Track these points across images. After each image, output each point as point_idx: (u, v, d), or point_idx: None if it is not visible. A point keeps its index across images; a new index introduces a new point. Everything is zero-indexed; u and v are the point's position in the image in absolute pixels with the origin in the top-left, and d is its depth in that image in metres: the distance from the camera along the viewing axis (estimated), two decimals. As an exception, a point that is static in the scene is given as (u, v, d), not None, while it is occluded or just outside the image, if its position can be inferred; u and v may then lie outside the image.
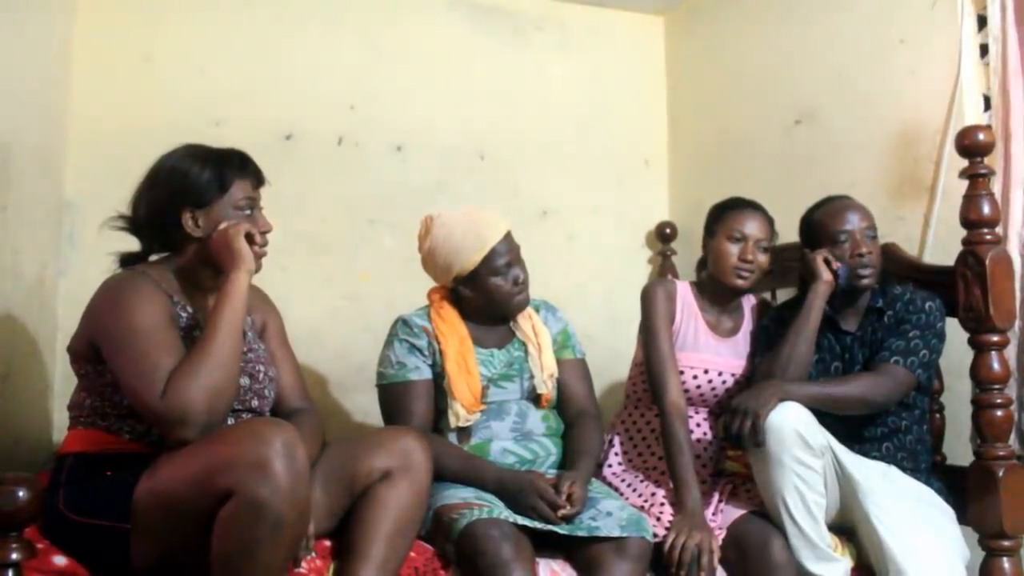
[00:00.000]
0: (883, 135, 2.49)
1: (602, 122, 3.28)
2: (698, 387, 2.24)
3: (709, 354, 2.26)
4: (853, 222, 2.12)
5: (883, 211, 2.30)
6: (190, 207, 1.69)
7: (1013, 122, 2.15)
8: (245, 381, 1.73)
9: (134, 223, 1.75)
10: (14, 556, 1.28)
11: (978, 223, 2.02)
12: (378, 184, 2.95)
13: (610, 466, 2.27)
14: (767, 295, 2.60)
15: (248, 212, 1.73)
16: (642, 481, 2.18)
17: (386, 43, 3.00)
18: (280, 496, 1.41)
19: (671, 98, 3.40)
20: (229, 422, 1.66)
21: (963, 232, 2.05)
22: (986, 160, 2.04)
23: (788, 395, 1.92)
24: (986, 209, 2.01)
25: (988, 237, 2.01)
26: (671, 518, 1.98)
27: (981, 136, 2.01)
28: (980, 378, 2.01)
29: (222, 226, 1.69)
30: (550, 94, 3.22)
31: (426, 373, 2.08)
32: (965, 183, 2.05)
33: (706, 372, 2.25)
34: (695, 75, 3.29)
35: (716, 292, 2.29)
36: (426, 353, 2.09)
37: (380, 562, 1.66)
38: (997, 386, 2.00)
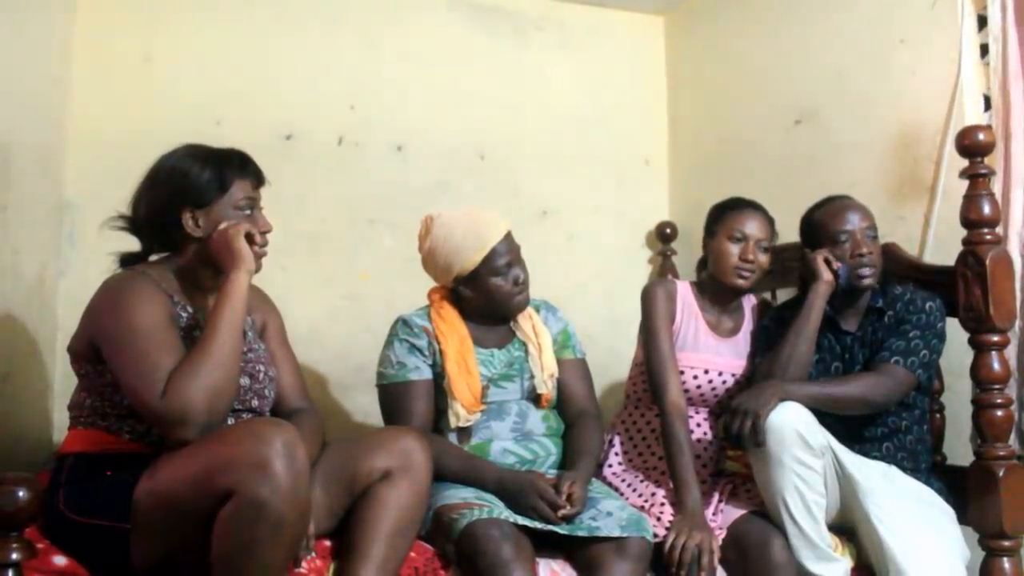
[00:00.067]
0: (883, 135, 2.49)
1: (602, 122, 3.28)
2: (698, 387, 2.24)
3: (709, 354, 2.26)
4: (854, 222, 2.12)
5: (883, 211, 2.30)
6: (190, 207, 1.69)
7: (1013, 122, 2.15)
8: (245, 381, 1.73)
9: (134, 223, 1.76)
10: (14, 556, 1.28)
11: (978, 223, 2.01)
12: (378, 184, 2.95)
13: (610, 466, 2.27)
14: (767, 295, 2.60)
15: (248, 212, 1.73)
16: (642, 481, 2.18)
17: (386, 43, 3.00)
18: (280, 496, 1.41)
19: (671, 98, 3.40)
20: (229, 422, 1.66)
21: (963, 232, 2.05)
22: (986, 160, 2.04)
23: (788, 395, 1.92)
24: (986, 209, 2.01)
25: (988, 237, 2.01)
26: (671, 518, 1.98)
27: (981, 136, 2.01)
28: (980, 378, 2.01)
29: (222, 226, 1.69)
30: (550, 94, 3.22)
31: (426, 373, 2.08)
32: (965, 183, 2.05)
33: (706, 372, 2.25)
34: (695, 75, 3.29)
35: (716, 292, 2.29)
36: (426, 353, 2.09)
37: (380, 562, 1.66)
38: (997, 386, 1.99)
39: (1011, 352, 2.06)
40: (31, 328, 2.31)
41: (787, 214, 2.27)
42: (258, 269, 1.72)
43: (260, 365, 1.80)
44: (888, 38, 2.47)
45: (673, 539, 1.89)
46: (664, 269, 3.19)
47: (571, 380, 2.20)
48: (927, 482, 2.05)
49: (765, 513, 1.97)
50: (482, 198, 2.95)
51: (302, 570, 1.66)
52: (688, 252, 3.09)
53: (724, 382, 2.26)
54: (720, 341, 2.28)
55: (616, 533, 1.83)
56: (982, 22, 2.25)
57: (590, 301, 3.11)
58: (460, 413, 2.04)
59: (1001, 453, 1.97)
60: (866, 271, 2.09)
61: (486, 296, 2.12)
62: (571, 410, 2.19)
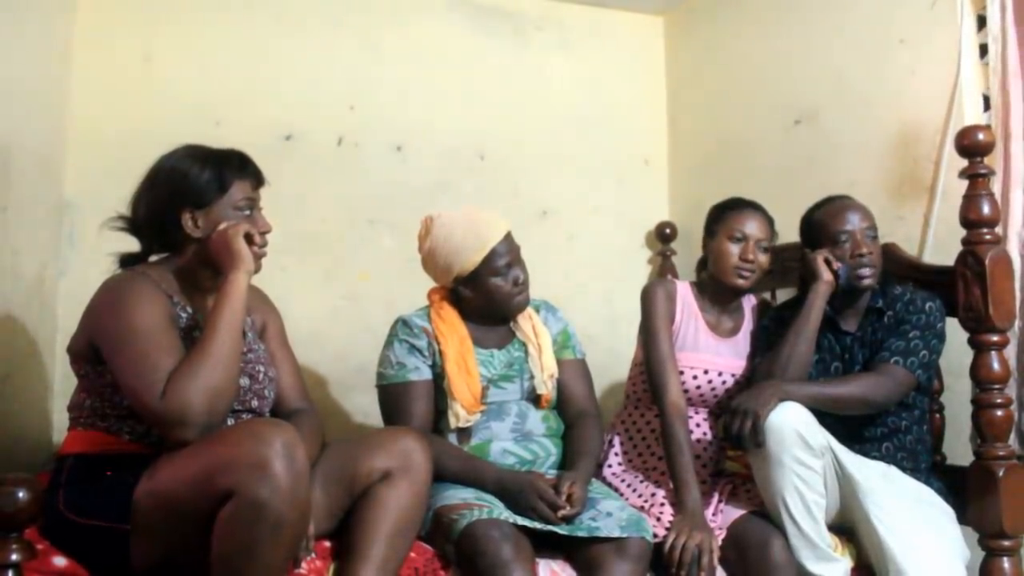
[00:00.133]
0: (883, 135, 2.49)
1: (602, 122, 3.28)
2: (698, 387, 2.24)
3: (709, 354, 2.26)
4: (854, 222, 2.12)
5: (883, 211, 2.29)
6: (190, 207, 1.69)
7: (1013, 122, 2.15)
8: (245, 382, 1.73)
9: (134, 223, 1.75)
10: (14, 557, 1.28)
11: (978, 223, 2.02)
12: (378, 184, 2.95)
13: (610, 466, 2.27)
14: (767, 295, 2.60)
15: (248, 212, 1.73)
16: (642, 481, 2.18)
17: (386, 43, 3.00)
18: (280, 496, 1.41)
19: (671, 98, 3.40)
20: (229, 423, 1.66)
21: (963, 232, 2.05)
22: (986, 160, 2.04)
23: (788, 395, 1.92)
24: (986, 209, 2.01)
25: (988, 237, 2.01)
26: (671, 518, 1.98)
27: (981, 136, 2.01)
28: (980, 378, 2.01)
29: (221, 226, 1.69)
30: (550, 94, 3.22)
31: (426, 374, 2.08)
32: (965, 183, 2.05)
33: (706, 372, 2.25)
34: (695, 75, 3.29)
35: (716, 292, 2.29)
36: (426, 354, 2.09)
37: (380, 562, 1.66)
38: (997, 386, 2.00)
39: (1011, 352, 2.06)
40: (31, 328, 2.31)
41: (787, 214, 2.27)
42: (257, 270, 1.71)
43: (260, 366, 1.80)
44: (888, 38, 2.47)
45: (673, 539, 1.89)
46: (664, 269, 3.19)
47: (571, 380, 2.20)
48: (927, 482, 2.05)
49: (765, 513, 1.97)
50: (482, 198, 2.95)
51: (302, 571, 1.66)
52: (688, 252, 3.09)
53: (724, 382, 2.26)
54: (720, 341, 2.28)
55: (616, 533, 1.83)
56: (981, 22, 2.26)
57: (590, 301, 3.11)
58: (460, 414, 2.04)
59: (1001, 453, 1.97)
60: (866, 271, 2.09)
61: (486, 296, 2.12)
62: (571, 410, 2.19)
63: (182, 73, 2.74)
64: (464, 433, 2.07)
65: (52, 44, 2.52)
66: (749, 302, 2.37)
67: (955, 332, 2.07)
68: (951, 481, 2.08)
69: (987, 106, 2.26)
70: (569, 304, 2.42)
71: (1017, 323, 2.08)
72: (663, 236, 3.20)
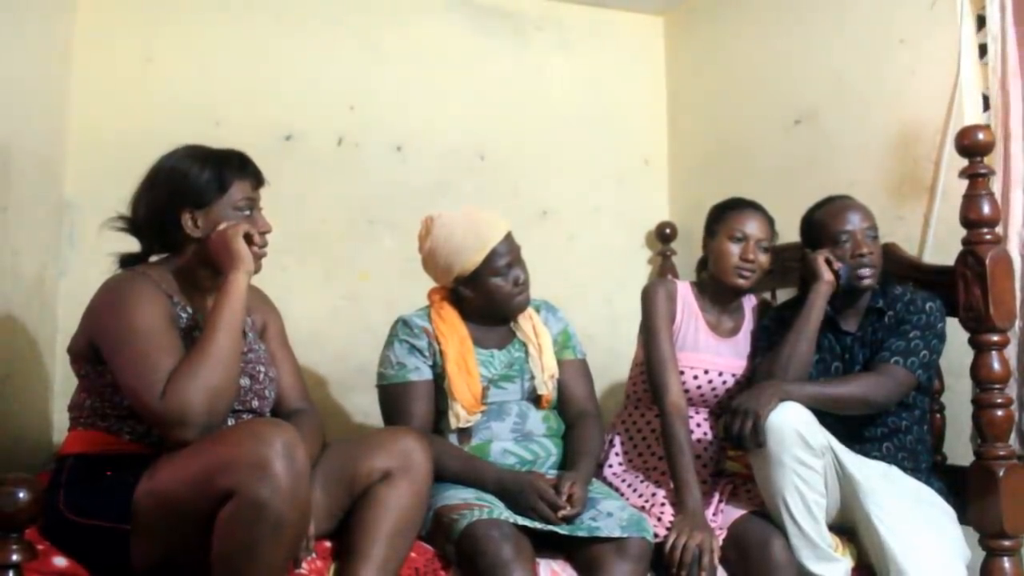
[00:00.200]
0: (883, 135, 2.49)
1: (602, 122, 3.28)
2: (698, 387, 2.24)
3: (709, 354, 2.26)
4: (854, 222, 2.12)
5: (883, 211, 2.29)
6: (189, 207, 1.69)
7: (1012, 122, 2.15)
8: (245, 382, 1.73)
9: (134, 223, 1.76)
10: (14, 557, 1.28)
11: (978, 223, 2.02)
12: (378, 184, 2.95)
13: (610, 466, 2.27)
14: (767, 295, 2.60)
15: (247, 213, 1.73)
16: (643, 481, 2.18)
17: (386, 43, 3.00)
18: (280, 496, 1.41)
19: (671, 98, 3.40)
20: (229, 423, 1.66)
21: (963, 232, 2.05)
22: (986, 160, 2.04)
23: (788, 395, 1.92)
24: (986, 209, 2.01)
25: (988, 237, 2.01)
26: (672, 518, 1.98)
27: (981, 136, 2.01)
28: (980, 378, 2.01)
29: (221, 227, 1.69)
30: (550, 94, 3.22)
31: (426, 374, 2.08)
32: (965, 183, 2.05)
33: (706, 372, 2.25)
34: (695, 75, 3.29)
35: (717, 292, 2.29)
36: (426, 354, 2.09)
37: (380, 562, 1.66)
38: (997, 386, 2.00)
39: (1011, 352, 2.06)
40: (31, 329, 2.31)
41: (787, 214, 2.27)
42: (257, 270, 1.71)
43: (260, 366, 1.80)
44: (888, 38, 2.47)
45: (674, 539, 1.89)
46: (664, 269, 3.19)
47: (571, 380, 2.20)
48: (927, 482, 2.05)
49: (765, 513, 1.97)
50: (482, 198, 2.95)
51: (302, 571, 1.66)
52: (688, 252, 3.09)
53: (724, 382, 2.26)
54: (720, 341, 2.28)
55: (616, 533, 1.83)
56: (981, 22, 2.26)
57: (590, 301, 3.11)
58: (460, 414, 2.04)
59: (1001, 453, 1.97)
60: (866, 271, 2.09)
61: (486, 296, 2.12)
62: (571, 411, 2.19)
63: (182, 73, 2.74)
64: (464, 433, 2.07)
65: (52, 44, 2.52)
66: (749, 302, 2.37)
67: (955, 332, 2.07)
68: (951, 481, 2.08)
69: (987, 106, 2.26)
70: (569, 304, 2.41)
71: (1017, 323, 2.08)
72: (663, 236, 3.20)
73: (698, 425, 2.25)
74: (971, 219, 2.02)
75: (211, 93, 2.75)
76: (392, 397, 2.08)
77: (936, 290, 2.11)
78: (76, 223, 2.56)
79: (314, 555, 1.69)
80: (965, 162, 2.04)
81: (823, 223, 2.15)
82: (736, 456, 2.30)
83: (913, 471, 2.05)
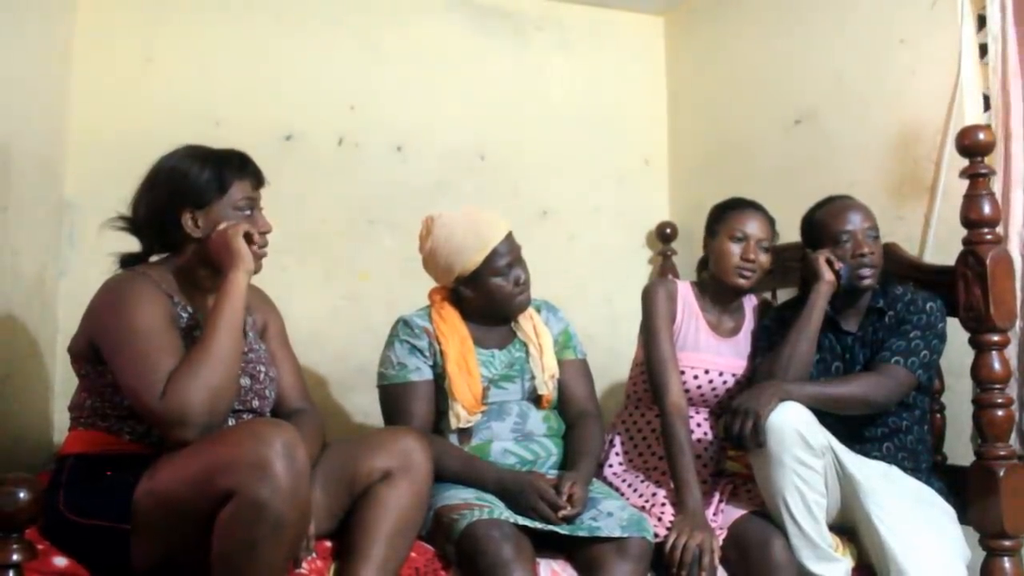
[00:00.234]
0: (883, 135, 2.49)
1: (602, 122, 3.28)
2: (699, 387, 2.24)
3: (710, 354, 2.26)
4: (855, 222, 2.12)
5: (883, 211, 2.29)
6: (190, 207, 1.69)
7: (1013, 122, 2.15)
8: (246, 382, 1.73)
9: (134, 223, 1.76)
10: (15, 557, 1.28)
11: (978, 223, 2.02)
12: (378, 184, 2.95)
13: (611, 466, 2.27)
14: (768, 295, 2.60)
15: (248, 212, 1.73)
16: (643, 481, 2.18)
17: (386, 43, 3.00)
18: (281, 496, 1.41)
19: (671, 98, 3.40)
20: (230, 422, 1.66)
21: (963, 232, 2.05)
22: (986, 160, 2.04)
23: (789, 395, 1.92)
24: (986, 209, 2.01)
25: (988, 237, 2.01)
26: (672, 518, 1.98)
27: (981, 136, 2.01)
28: (981, 378, 2.01)
29: (221, 226, 1.69)
30: (550, 94, 3.22)
31: (427, 374, 2.08)
32: (965, 183, 2.05)
33: (707, 372, 2.25)
34: (695, 75, 3.29)
35: (717, 292, 2.29)
36: (427, 354, 2.09)
37: (381, 562, 1.66)
38: (998, 386, 1.99)
39: (1011, 352, 2.06)
40: (31, 329, 2.31)
41: (787, 214, 2.27)
42: (258, 269, 1.72)
43: (261, 366, 1.80)
44: (888, 38, 2.47)
45: (674, 539, 1.89)
46: (664, 269, 3.19)
47: (572, 381, 2.20)
48: (927, 482, 2.05)
49: (766, 513, 1.97)
50: (482, 198, 2.95)
51: (302, 571, 1.66)
52: (688, 252, 3.09)
53: (724, 382, 2.26)
54: (721, 341, 2.28)
55: (617, 533, 1.83)
56: (981, 22, 2.26)
57: (590, 301, 3.11)
58: (461, 414, 2.04)
59: (1002, 453, 1.97)
60: (867, 271, 2.09)
61: (487, 296, 2.12)
62: (572, 411, 2.19)
63: (182, 73, 2.74)
64: (465, 433, 2.07)
65: (52, 44, 2.52)
66: (750, 302, 2.37)
67: (956, 332, 2.07)
68: (952, 481, 2.08)
69: (987, 106, 2.25)
70: (569, 304, 2.41)
71: (1018, 323, 2.08)
72: (663, 236, 3.20)
73: (698, 425, 2.25)
74: (972, 219, 2.02)
75: (211, 93, 2.76)
76: (392, 397, 2.08)
77: (937, 290, 2.11)
78: (76, 223, 2.56)
79: (314, 555, 1.69)
80: (965, 162, 2.04)
81: (824, 223, 2.15)
82: (736, 456, 2.30)
83: (913, 471, 2.05)
